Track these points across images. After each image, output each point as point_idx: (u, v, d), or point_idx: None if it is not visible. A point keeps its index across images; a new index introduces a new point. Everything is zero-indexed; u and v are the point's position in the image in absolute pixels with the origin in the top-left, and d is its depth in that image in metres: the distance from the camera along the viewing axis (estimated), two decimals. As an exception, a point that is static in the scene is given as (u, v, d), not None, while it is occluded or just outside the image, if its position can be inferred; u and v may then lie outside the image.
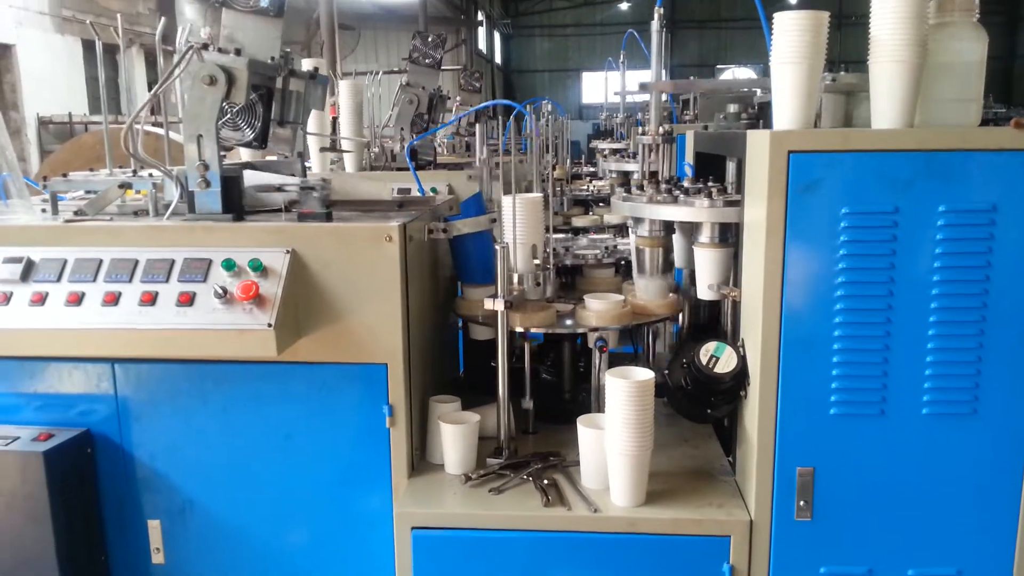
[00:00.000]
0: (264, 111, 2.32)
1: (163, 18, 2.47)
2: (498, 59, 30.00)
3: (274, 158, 2.73)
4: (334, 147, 3.35)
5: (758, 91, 2.58)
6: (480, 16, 25.88)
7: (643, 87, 2.67)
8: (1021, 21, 27.51)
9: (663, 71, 2.59)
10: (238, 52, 2.12)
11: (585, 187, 5.62)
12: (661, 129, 2.45)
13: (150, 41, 12.95)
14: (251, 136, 2.32)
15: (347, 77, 4.99)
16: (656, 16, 2.43)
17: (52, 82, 12.75)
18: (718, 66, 26.29)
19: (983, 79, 1.92)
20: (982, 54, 1.91)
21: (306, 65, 3.72)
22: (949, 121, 1.91)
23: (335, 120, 3.79)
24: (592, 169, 6.97)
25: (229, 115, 2.29)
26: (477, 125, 2.95)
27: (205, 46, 2.11)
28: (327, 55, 11.53)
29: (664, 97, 3.25)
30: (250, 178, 2.33)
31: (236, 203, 2.21)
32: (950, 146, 1.82)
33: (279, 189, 2.35)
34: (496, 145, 4.70)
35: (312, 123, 3.30)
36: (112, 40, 2.70)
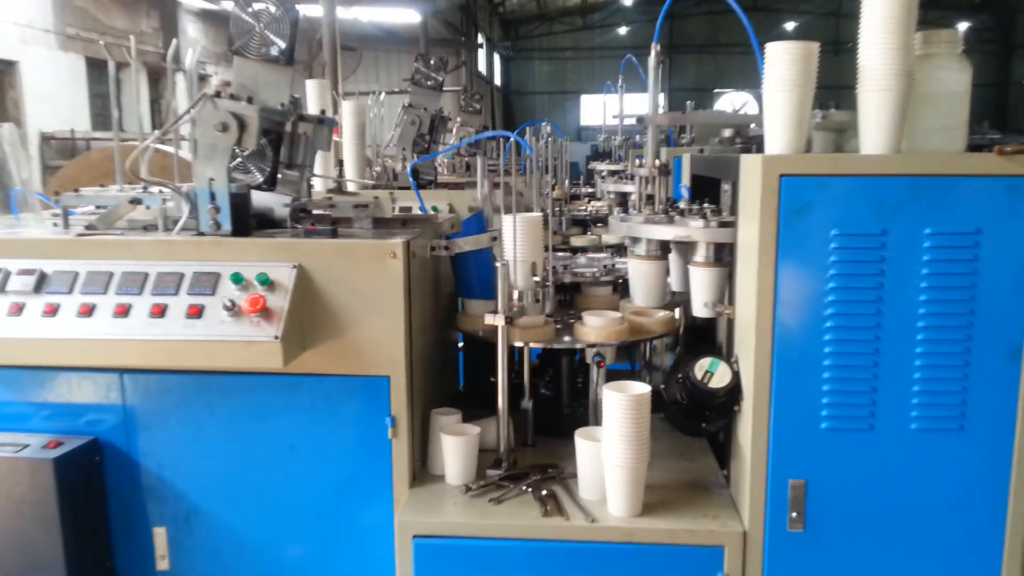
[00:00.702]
0: (273, 155, 2.38)
1: (174, 40, 2.54)
2: (498, 81, 30.27)
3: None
4: (340, 189, 3.42)
5: (752, 124, 2.66)
6: (480, 39, 26.13)
7: (640, 121, 2.75)
8: (1015, 49, 27.84)
9: (660, 102, 2.66)
10: (249, 100, 2.18)
11: (583, 207, 5.69)
12: (657, 162, 2.52)
13: (152, 60, 13.10)
14: (261, 180, 2.39)
15: (349, 97, 5.07)
16: (653, 52, 2.51)
17: (55, 99, 12.87)
18: (715, 90, 26.55)
19: (967, 108, 1.99)
20: (967, 84, 1.99)
21: (309, 87, 3.81)
22: (935, 148, 1.98)
23: (341, 165, 3.86)
24: (590, 190, 7.05)
25: (240, 159, 2.36)
26: (478, 159, 3.00)
27: (218, 93, 2.17)
28: (329, 76, 11.64)
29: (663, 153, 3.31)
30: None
31: (244, 220, 2.27)
32: (936, 171, 1.89)
33: (332, 206, 2.48)
34: (496, 166, 4.78)
35: (317, 165, 3.36)
36: (117, 58, 2.76)
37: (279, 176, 2.42)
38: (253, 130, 2.16)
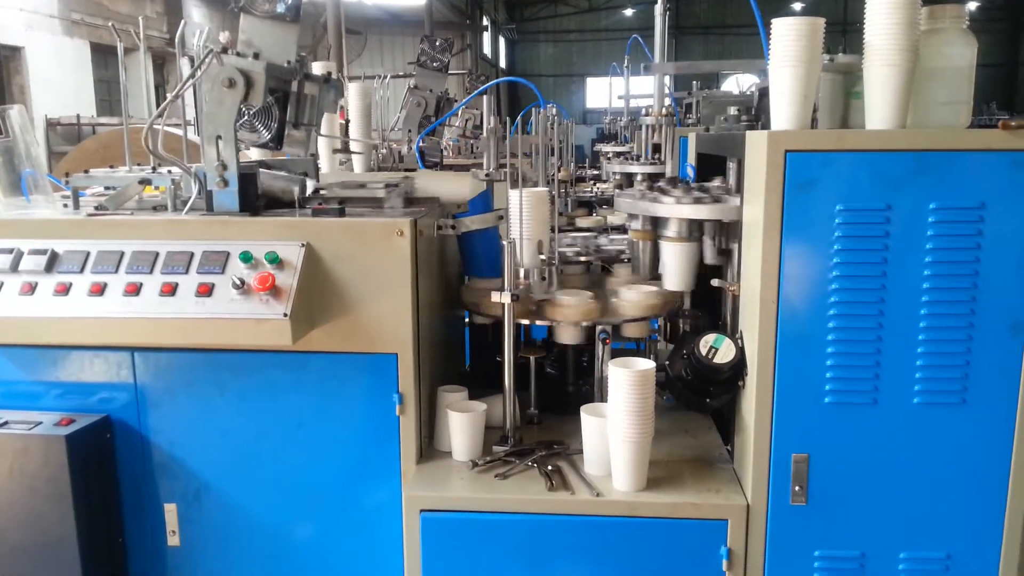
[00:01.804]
0: (280, 113, 2.39)
1: (183, 22, 2.55)
2: (503, 63, 30.14)
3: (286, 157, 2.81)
4: (346, 148, 3.43)
5: (755, 83, 2.67)
6: (485, 21, 26.02)
7: (647, 68, 2.76)
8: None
9: (665, 82, 2.67)
10: (256, 56, 2.19)
11: (589, 189, 5.70)
12: (664, 110, 2.53)
13: (156, 44, 13.07)
14: (267, 137, 2.40)
15: (354, 81, 5.06)
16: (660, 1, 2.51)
17: (60, 84, 12.88)
18: (722, 72, 26.40)
19: (972, 83, 2.00)
20: (972, 59, 1.99)
21: (317, 69, 3.82)
22: (940, 122, 1.99)
23: (346, 124, 3.87)
24: (596, 172, 7.05)
25: (246, 117, 2.37)
26: (490, 139, 2.98)
27: (224, 50, 2.19)
28: (334, 59, 11.62)
29: (667, 102, 3.33)
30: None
31: (253, 199, 2.29)
32: (941, 146, 1.90)
33: (362, 186, 2.48)
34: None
35: (323, 126, 3.38)
36: (123, 43, 2.77)
37: (286, 135, 2.43)
38: (260, 86, 2.17)
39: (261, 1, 2.20)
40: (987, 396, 1.97)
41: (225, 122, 2.18)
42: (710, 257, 2.39)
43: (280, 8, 2.21)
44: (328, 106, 2.59)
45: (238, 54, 2.19)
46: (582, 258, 3.00)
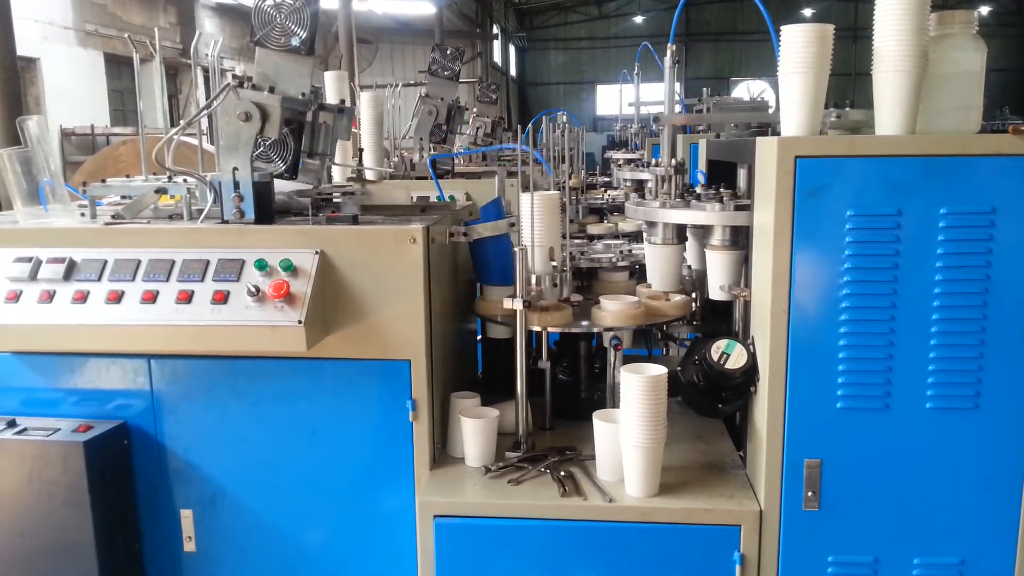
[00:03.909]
0: (295, 144, 2.42)
1: (197, 33, 2.58)
2: (513, 71, 30.23)
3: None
4: (360, 177, 3.46)
5: (771, 108, 2.68)
6: (495, 29, 26.11)
7: (656, 121, 2.77)
8: (1037, 33, 27.43)
9: (675, 102, 2.68)
10: (271, 89, 2.22)
11: (600, 196, 5.71)
12: (674, 161, 2.55)
13: (169, 55, 13.19)
14: (283, 168, 2.43)
15: (366, 90, 5.11)
16: (668, 52, 2.53)
17: (75, 94, 13.01)
18: (732, 79, 26.41)
19: (982, 88, 2.00)
20: (981, 64, 1.99)
21: (329, 79, 3.85)
22: (950, 128, 1.99)
23: (360, 152, 3.90)
24: (606, 179, 7.07)
25: (262, 147, 2.40)
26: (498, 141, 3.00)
27: (240, 83, 2.21)
28: (346, 69, 11.70)
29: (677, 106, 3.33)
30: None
31: (267, 208, 2.31)
32: (951, 152, 1.90)
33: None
34: (511, 157, 4.80)
35: (337, 153, 3.41)
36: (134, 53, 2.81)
37: (301, 164, 2.45)
38: (275, 119, 2.20)
39: (276, 35, 2.23)
40: (1000, 401, 1.96)
41: (242, 154, 2.22)
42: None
43: (295, 42, 2.23)
44: (342, 133, 2.61)
45: (254, 87, 2.21)
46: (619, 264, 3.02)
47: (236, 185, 2.23)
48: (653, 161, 2.69)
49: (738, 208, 2.28)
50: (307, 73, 2.30)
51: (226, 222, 2.26)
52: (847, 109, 2.31)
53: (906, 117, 1.94)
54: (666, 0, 27.09)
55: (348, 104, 2.75)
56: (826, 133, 2.18)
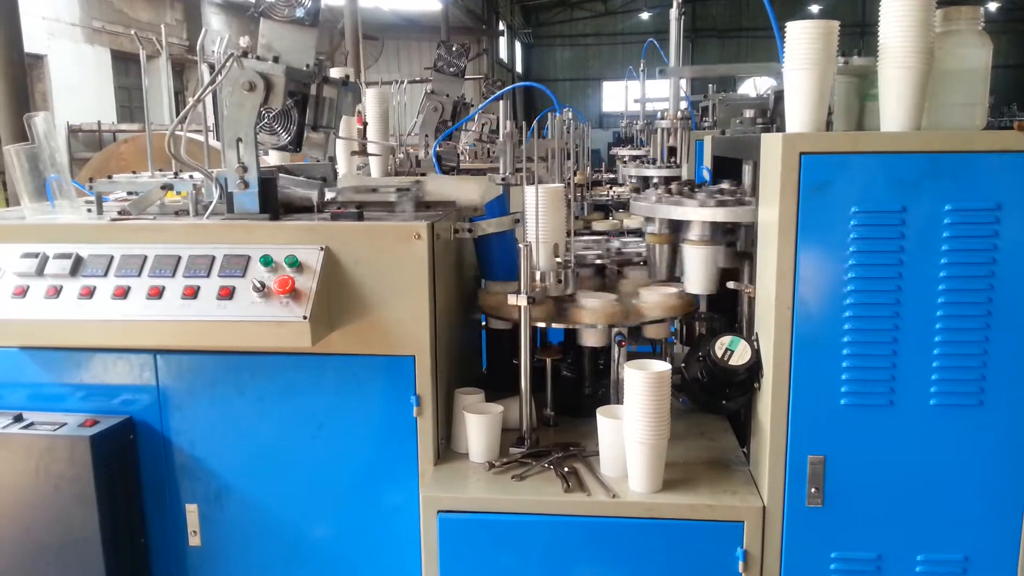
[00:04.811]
0: (299, 116, 2.43)
1: (204, 29, 2.59)
2: (519, 68, 30.21)
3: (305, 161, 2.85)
4: (364, 151, 3.46)
5: (772, 86, 2.67)
6: (501, 26, 26.09)
7: (662, 72, 2.78)
8: (1046, 29, 27.28)
9: (681, 86, 2.69)
10: (276, 60, 2.23)
11: (605, 193, 5.70)
12: (679, 113, 2.55)
13: (176, 52, 13.22)
14: (287, 140, 2.44)
15: (372, 86, 5.11)
16: (675, 5, 2.53)
17: (82, 91, 13.06)
18: (738, 75, 26.31)
19: (988, 84, 2.00)
20: (987, 60, 1.99)
21: (335, 74, 3.85)
22: (955, 124, 1.99)
23: (364, 127, 3.90)
24: (612, 176, 7.05)
25: (266, 120, 2.41)
26: (506, 143, 2.98)
27: (245, 54, 2.22)
28: (352, 65, 11.71)
29: (683, 105, 3.34)
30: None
31: (273, 203, 2.32)
32: (956, 148, 1.90)
33: (374, 191, 2.51)
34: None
35: (341, 129, 3.42)
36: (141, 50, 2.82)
37: (304, 138, 2.46)
38: (279, 90, 2.21)
39: (280, 6, 2.23)
40: (1004, 397, 1.96)
41: (245, 125, 2.22)
42: (722, 260, 2.40)
43: (299, 12, 2.24)
44: (346, 109, 2.62)
45: (258, 58, 2.22)
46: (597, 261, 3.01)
47: (239, 158, 2.23)
48: (659, 113, 2.69)
49: (719, 204, 2.29)
50: (311, 45, 2.30)
51: (232, 217, 2.26)
52: (854, 56, 2.28)
53: (911, 113, 1.94)
54: (672, -4, 27.00)
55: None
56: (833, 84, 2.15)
